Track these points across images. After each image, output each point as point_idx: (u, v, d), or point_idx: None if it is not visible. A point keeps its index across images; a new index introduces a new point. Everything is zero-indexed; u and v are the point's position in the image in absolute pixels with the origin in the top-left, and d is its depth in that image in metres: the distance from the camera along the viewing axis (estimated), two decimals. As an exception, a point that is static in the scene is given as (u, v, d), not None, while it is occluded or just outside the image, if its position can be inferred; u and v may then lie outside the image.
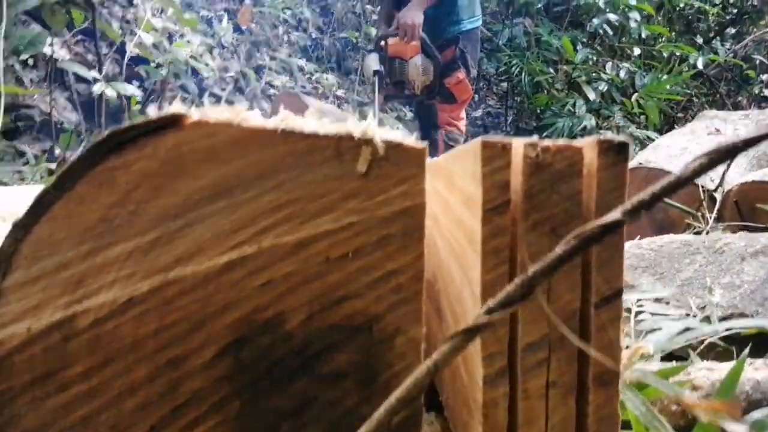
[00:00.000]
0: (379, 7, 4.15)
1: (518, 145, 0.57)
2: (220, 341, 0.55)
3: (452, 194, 0.70)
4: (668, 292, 1.33)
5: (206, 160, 0.56)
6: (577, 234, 0.35)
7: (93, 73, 2.49)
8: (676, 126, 6.38)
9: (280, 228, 0.55)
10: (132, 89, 2.48)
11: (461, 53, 3.90)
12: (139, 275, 0.54)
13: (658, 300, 1.33)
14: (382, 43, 3.48)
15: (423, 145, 0.57)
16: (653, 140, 5.45)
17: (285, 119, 0.57)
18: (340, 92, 5.10)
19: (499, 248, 0.55)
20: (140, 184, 0.56)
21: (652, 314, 1.19)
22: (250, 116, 0.57)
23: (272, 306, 0.55)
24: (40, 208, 0.52)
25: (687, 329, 0.89)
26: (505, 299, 0.35)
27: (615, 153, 0.56)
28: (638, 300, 1.20)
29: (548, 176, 0.56)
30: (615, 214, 0.34)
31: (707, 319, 1.16)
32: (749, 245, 1.27)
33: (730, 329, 0.94)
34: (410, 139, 0.57)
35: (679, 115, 7.22)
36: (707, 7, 7.06)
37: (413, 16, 3.39)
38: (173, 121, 0.56)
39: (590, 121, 5.01)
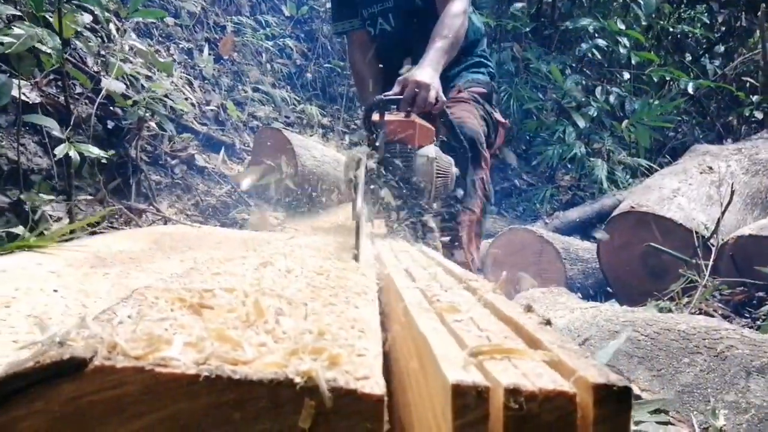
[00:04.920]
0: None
1: (497, 386, 0.47)
2: None
3: (427, 381, 0.59)
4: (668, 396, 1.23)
5: (111, 415, 0.45)
6: None
7: (58, 134, 2.38)
8: (666, 151, 6.33)
9: None
10: (96, 150, 2.38)
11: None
12: None
13: (657, 411, 1.23)
14: (375, 116, 2.02)
15: (381, 391, 0.46)
16: (645, 168, 5.39)
17: (209, 356, 0.46)
18: (324, 120, 5.00)
19: None
20: (29, 446, 0.45)
21: (652, 436, 1.09)
22: (168, 354, 0.47)
23: None
24: None
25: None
26: None
27: (615, 402, 0.46)
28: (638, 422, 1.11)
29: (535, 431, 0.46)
30: None
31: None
32: (754, 356, 1.18)
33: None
34: (369, 379, 0.47)
35: (670, 134, 7.17)
36: (695, 29, 7.02)
37: (425, 74, 2.16)
38: (71, 367, 0.45)
39: (580, 149, 4.93)
